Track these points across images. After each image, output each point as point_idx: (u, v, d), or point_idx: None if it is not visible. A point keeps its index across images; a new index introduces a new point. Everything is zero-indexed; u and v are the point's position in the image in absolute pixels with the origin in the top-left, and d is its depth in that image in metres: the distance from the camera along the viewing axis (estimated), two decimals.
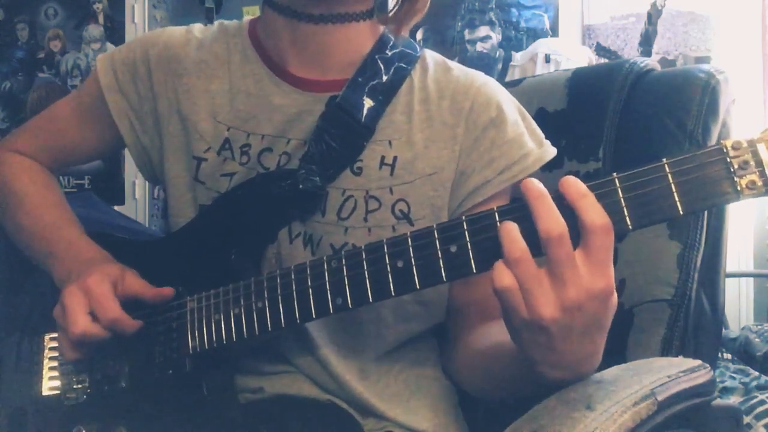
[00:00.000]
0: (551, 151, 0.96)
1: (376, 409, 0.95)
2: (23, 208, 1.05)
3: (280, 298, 0.83)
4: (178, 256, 0.97)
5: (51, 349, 1.00)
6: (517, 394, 0.84)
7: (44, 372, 1.00)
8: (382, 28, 1.00)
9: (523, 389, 0.80)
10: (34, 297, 1.05)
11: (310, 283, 0.81)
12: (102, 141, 1.08)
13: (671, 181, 0.65)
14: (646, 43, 2.61)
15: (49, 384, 0.99)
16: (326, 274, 0.80)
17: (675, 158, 0.65)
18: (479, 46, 2.79)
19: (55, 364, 0.99)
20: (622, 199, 0.67)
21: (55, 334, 0.99)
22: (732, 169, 0.64)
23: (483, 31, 2.79)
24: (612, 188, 0.67)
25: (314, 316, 0.81)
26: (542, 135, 0.98)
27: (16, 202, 1.06)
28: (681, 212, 0.65)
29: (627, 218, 0.67)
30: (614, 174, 0.67)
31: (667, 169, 0.65)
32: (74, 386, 0.98)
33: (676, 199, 0.65)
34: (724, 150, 0.64)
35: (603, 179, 0.68)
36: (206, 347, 0.89)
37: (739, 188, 0.64)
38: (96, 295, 0.89)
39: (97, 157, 1.14)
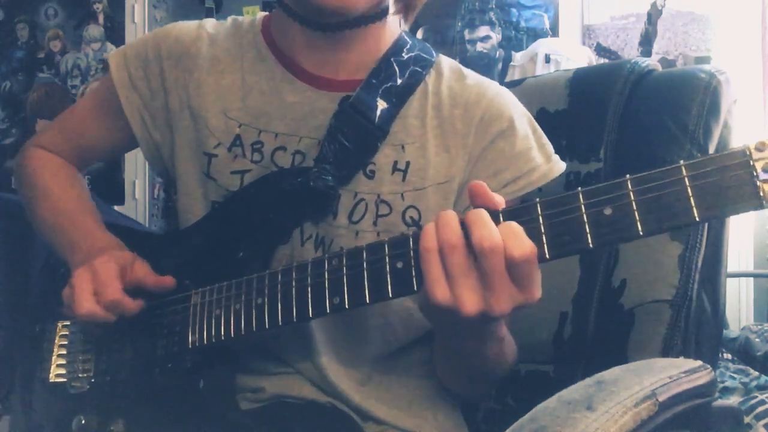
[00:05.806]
0: (558, 168, 0.96)
1: (374, 414, 0.95)
2: (46, 202, 1.06)
3: (279, 295, 0.82)
4: (188, 252, 0.97)
5: (62, 336, 1.01)
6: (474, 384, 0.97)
7: (54, 359, 1.00)
8: (399, 30, 0.99)
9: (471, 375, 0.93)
10: (37, 308, 1.06)
11: (309, 281, 0.80)
12: (117, 136, 1.08)
13: (688, 184, 0.60)
14: (646, 43, 2.61)
15: (57, 371, 1.00)
16: (326, 272, 0.79)
17: (693, 161, 0.61)
18: (479, 46, 2.79)
19: (64, 351, 1.00)
20: (633, 203, 0.63)
21: (67, 322, 1.01)
22: (755, 173, 0.58)
23: (483, 31, 2.79)
24: (624, 191, 0.63)
25: (311, 315, 0.80)
26: (552, 150, 0.97)
27: (40, 196, 1.07)
28: (697, 219, 0.60)
29: (638, 223, 0.63)
30: (627, 176, 0.63)
31: (684, 172, 0.61)
32: (80, 375, 0.98)
33: (692, 204, 0.60)
34: (747, 152, 0.59)
35: (616, 180, 0.64)
36: (205, 342, 0.88)
37: (761, 194, 0.58)
38: (99, 275, 0.89)
39: (117, 153, 1.15)
